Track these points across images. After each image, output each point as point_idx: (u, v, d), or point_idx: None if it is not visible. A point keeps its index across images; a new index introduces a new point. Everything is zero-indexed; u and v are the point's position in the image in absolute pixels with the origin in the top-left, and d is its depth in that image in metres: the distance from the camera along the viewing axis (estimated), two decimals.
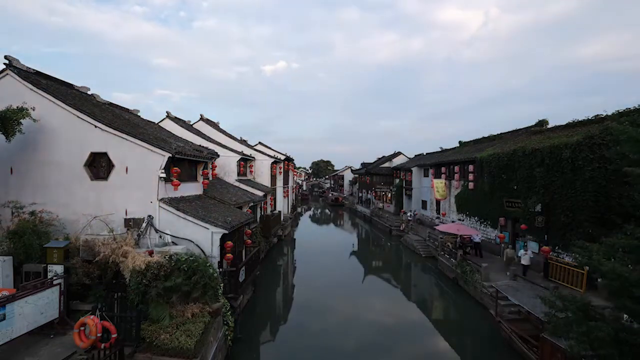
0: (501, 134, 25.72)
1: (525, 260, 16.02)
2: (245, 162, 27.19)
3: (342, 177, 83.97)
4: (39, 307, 8.62)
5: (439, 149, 36.70)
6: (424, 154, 41.34)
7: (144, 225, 11.83)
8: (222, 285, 11.15)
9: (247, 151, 29.00)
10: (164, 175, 12.11)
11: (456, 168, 26.39)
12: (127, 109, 18.36)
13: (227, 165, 24.56)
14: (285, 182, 37.01)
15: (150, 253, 10.25)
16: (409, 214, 35.07)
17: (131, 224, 11.93)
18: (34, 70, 13.34)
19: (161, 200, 12.06)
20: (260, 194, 24.03)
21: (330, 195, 78.01)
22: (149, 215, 11.97)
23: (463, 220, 24.84)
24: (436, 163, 30.35)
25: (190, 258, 10.17)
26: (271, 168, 30.42)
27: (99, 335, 7.99)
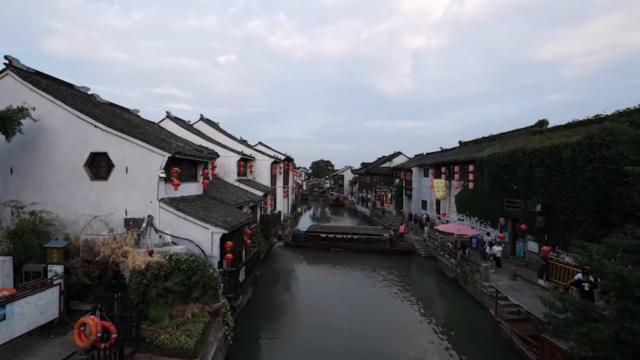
0: (501, 134, 25.73)
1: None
2: (245, 162, 27.19)
3: (342, 177, 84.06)
4: (39, 307, 8.62)
5: (439, 149, 36.70)
6: (424, 153, 41.33)
7: (144, 225, 11.83)
8: (222, 285, 11.14)
9: (247, 151, 29.01)
10: (164, 175, 12.11)
11: (456, 168, 26.38)
12: (127, 109, 18.36)
13: (227, 165, 24.57)
14: (285, 182, 37.02)
15: (150, 253, 10.24)
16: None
17: (131, 224, 11.93)
18: (34, 70, 13.35)
19: (161, 200, 12.06)
20: (260, 194, 24.03)
21: (329, 195, 78.00)
22: (149, 215, 11.97)
23: (463, 220, 24.84)
24: (436, 163, 30.35)
25: (190, 258, 10.16)
26: (271, 168, 30.42)
27: (99, 335, 8.00)
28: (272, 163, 30.98)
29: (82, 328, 8.11)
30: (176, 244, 11.71)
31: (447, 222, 25.81)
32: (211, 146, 23.65)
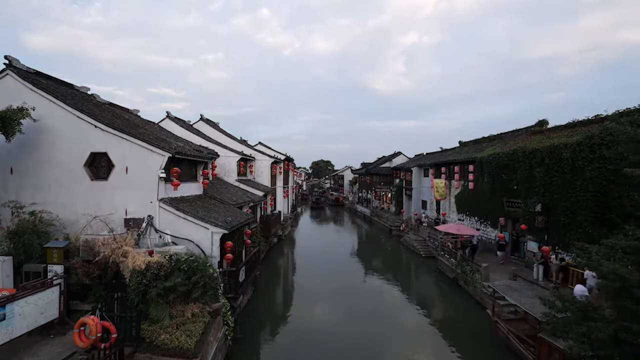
0: (501, 134, 25.74)
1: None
2: (245, 162, 27.20)
3: (342, 177, 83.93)
4: (39, 307, 8.63)
5: (439, 149, 36.71)
6: (424, 153, 41.33)
7: (144, 225, 11.83)
8: (222, 285, 11.16)
9: (247, 151, 29.02)
10: (164, 175, 12.12)
11: (456, 168, 26.38)
12: (127, 109, 18.36)
13: (227, 165, 24.58)
14: (285, 182, 37.04)
15: (150, 253, 10.25)
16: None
17: (131, 224, 11.94)
18: (34, 70, 13.36)
19: (161, 200, 12.06)
20: (260, 194, 24.05)
21: (329, 195, 77.66)
22: (149, 215, 11.98)
23: (463, 220, 24.85)
24: (436, 163, 30.35)
25: (190, 258, 10.17)
26: (271, 168, 30.43)
27: (99, 335, 8.01)
28: (272, 163, 30.99)
29: (82, 328, 8.12)
30: (176, 244, 11.72)
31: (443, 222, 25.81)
32: (211, 146, 23.66)
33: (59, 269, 10.05)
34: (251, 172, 28.97)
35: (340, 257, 26.34)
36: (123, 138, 12.21)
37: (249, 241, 15.95)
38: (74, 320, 8.68)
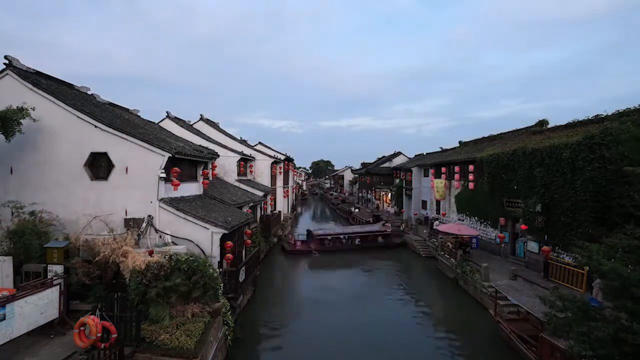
0: (501, 134, 25.73)
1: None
2: (245, 162, 27.21)
3: (342, 177, 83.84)
4: (39, 307, 8.62)
5: (439, 149, 36.72)
6: (424, 153, 41.36)
7: (144, 225, 11.83)
8: (222, 285, 11.15)
9: (247, 151, 29.04)
10: (164, 175, 12.12)
11: (456, 168, 26.38)
12: (127, 108, 18.37)
13: (227, 165, 24.59)
14: (285, 182, 37.06)
15: (150, 253, 10.25)
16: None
17: (131, 224, 11.94)
18: (34, 70, 13.35)
19: (161, 200, 12.06)
20: (260, 194, 24.06)
21: (330, 195, 75.34)
22: (149, 215, 11.97)
23: (463, 220, 24.85)
24: (436, 163, 30.34)
25: (190, 258, 10.16)
26: (271, 168, 30.45)
27: (99, 335, 7.99)
28: (272, 163, 31.01)
29: (82, 328, 8.10)
30: (176, 244, 11.72)
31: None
32: (211, 146, 23.65)
33: (59, 269, 10.04)
34: (251, 172, 28.97)
35: (340, 257, 26.30)
36: (123, 138, 12.22)
37: (249, 241, 15.94)
38: (74, 320, 8.66)
